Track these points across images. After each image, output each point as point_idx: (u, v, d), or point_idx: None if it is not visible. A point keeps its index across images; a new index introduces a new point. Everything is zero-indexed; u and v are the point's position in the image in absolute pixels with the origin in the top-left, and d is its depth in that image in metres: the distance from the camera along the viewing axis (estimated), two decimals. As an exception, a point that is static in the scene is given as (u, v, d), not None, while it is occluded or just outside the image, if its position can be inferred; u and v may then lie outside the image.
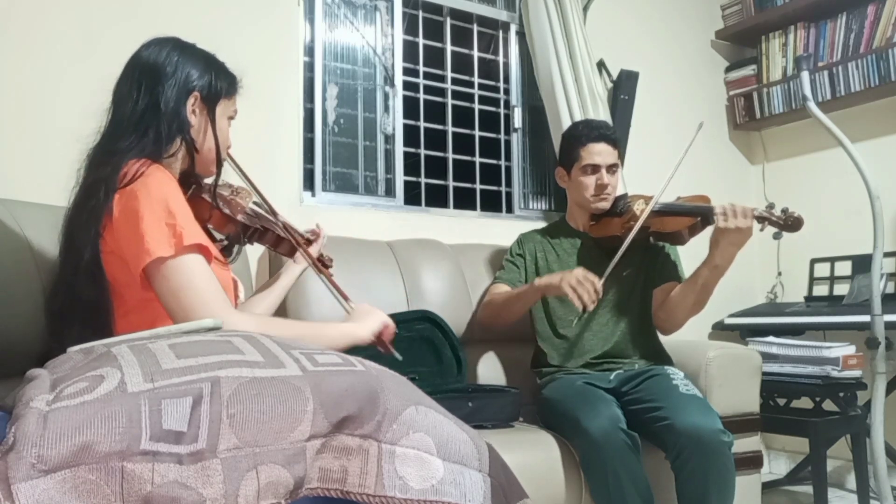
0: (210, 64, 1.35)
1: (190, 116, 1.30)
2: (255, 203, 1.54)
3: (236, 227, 1.45)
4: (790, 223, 1.82)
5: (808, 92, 2.34)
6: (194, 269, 1.17)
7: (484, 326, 2.19)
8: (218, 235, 1.47)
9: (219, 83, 1.34)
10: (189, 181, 1.38)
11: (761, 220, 1.85)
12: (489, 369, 2.29)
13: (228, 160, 1.43)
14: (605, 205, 2.09)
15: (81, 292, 1.20)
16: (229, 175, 1.46)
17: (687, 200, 2.02)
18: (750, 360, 2.04)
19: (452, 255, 2.33)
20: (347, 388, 0.88)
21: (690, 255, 2.06)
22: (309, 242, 1.68)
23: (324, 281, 1.58)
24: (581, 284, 1.79)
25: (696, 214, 1.93)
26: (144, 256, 1.14)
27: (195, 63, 1.32)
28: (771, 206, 1.90)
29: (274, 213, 1.55)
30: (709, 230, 1.93)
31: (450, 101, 2.78)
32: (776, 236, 1.91)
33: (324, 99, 2.51)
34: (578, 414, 1.66)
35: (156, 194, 1.18)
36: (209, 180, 1.41)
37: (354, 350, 1.19)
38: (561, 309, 2.08)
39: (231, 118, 1.40)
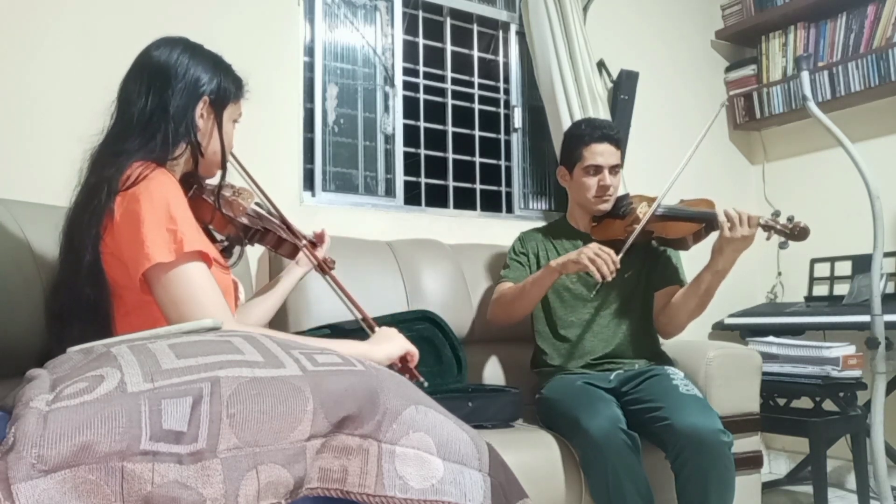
0: (218, 67, 1.34)
1: (199, 121, 1.30)
2: (256, 203, 1.53)
3: (237, 228, 1.42)
4: (797, 232, 1.81)
5: (808, 92, 2.34)
6: (194, 279, 1.17)
7: (495, 324, 2.16)
8: (218, 236, 1.45)
9: (227, 87, 1.34)
10: (190, 182, 1.36)
11: (767, 228, 1.84)
12: (489, 369, 2.29)
13: (233, 162, 1.41)
14: (607, 206, 2.08)
15: (82, 293, 1.20)
16: (230, 175, 1.44)
17: (690, 204, 2.00)
18: (750, 360, 2.04)
19: (452, 255, 2.33)
20: (347, 387, 0.88)
21: (690, 256, 2.06)
22: (313, 245, 1.64)
23: (343, 298, 1.55)
24: (599, 256, 1.81)
25: (701, 221, 1.92)
26: (144, 261, 1.14)
27: (204, 66, 1.31)
28: (776, 215, 1.88)
29: (279, 215, 1.53)
30: (712, 236, 1.92)
31: (450, 101, 2.78)
32: (782, 245, 1.89)
33: (324, 99, 2.50)
34: (578, 414, 1.66)
35: (158, 198, 1.17)
36: (211, 181, 1.40)
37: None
38: (561, 309, 2.08)
39: (236, 121, 1.40)
